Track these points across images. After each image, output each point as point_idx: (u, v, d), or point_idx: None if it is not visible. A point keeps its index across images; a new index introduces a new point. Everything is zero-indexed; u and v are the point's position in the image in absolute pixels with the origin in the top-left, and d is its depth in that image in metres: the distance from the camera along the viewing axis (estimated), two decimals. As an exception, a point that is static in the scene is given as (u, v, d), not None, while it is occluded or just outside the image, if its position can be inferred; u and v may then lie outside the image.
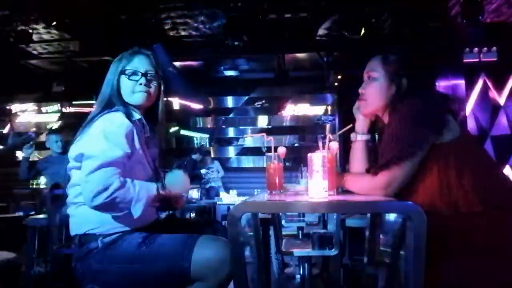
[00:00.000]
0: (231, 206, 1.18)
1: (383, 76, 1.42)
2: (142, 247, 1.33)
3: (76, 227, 1.41)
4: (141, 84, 1.47)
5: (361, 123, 1.58)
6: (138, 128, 1.46)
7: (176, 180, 1.48)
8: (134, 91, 1.47)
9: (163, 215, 1.59)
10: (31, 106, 8.35)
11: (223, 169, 7.02)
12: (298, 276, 3.43)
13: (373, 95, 1.44)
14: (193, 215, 4.84)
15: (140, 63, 1.49)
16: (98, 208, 1.27)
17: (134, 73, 1.47)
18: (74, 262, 1.43)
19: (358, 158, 1.57)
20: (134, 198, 1.30)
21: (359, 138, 1.57)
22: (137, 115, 1.47)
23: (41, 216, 3.32)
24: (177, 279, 1.31)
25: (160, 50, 5.24)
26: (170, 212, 1.62)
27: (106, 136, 1.32)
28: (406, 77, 1.38)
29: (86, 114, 1.47)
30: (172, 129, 8.04)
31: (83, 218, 1.39)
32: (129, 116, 1.42)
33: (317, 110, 8.11)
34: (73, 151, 1.39)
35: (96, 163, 1.27)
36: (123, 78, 1.47)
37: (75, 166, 1.40)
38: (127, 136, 1.36)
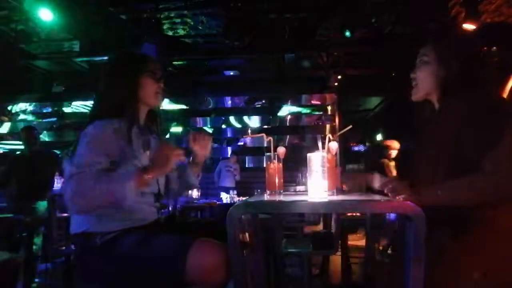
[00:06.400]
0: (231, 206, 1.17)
1: (433, 60, 1.39)
2: (138, 247, 1.33)
3: (75, 226, 1.41)
4: (161, 85, 1.54)
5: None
6: (136, 132, 1.44)
7: (158, 156, 1.35)
8: (157, 93, 1.53)
9: (163, 215, 1.59)
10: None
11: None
12: (298, 276, 3.43)
13: (424, 78, 1.42)
14: (192, 215, 4.83)
15: (155, 65, 1.54)
16: (79, 212, 1.31)
17: (157, 75, 1.53)
18: (72, 261, 1.42)
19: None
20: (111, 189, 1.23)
21: None
22: (139, 121, 1.50)
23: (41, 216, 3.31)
24: (171, 282, 1.29)
25: (150, 49, 5.17)
26: (170, 213, 1.62)
27: (89, 142, 1.31)
28: (458, 63, 1.34)
29: (86, 114, 1.47)
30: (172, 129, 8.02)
31: (82, 217, 1.40)
32: (130, 122, 1.41)
33: (317, 110, 8.11)
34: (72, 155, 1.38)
35: (73, 168, 1.26)
36: (147, 80, 1.50)
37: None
38: (112, 143, 1.34)
